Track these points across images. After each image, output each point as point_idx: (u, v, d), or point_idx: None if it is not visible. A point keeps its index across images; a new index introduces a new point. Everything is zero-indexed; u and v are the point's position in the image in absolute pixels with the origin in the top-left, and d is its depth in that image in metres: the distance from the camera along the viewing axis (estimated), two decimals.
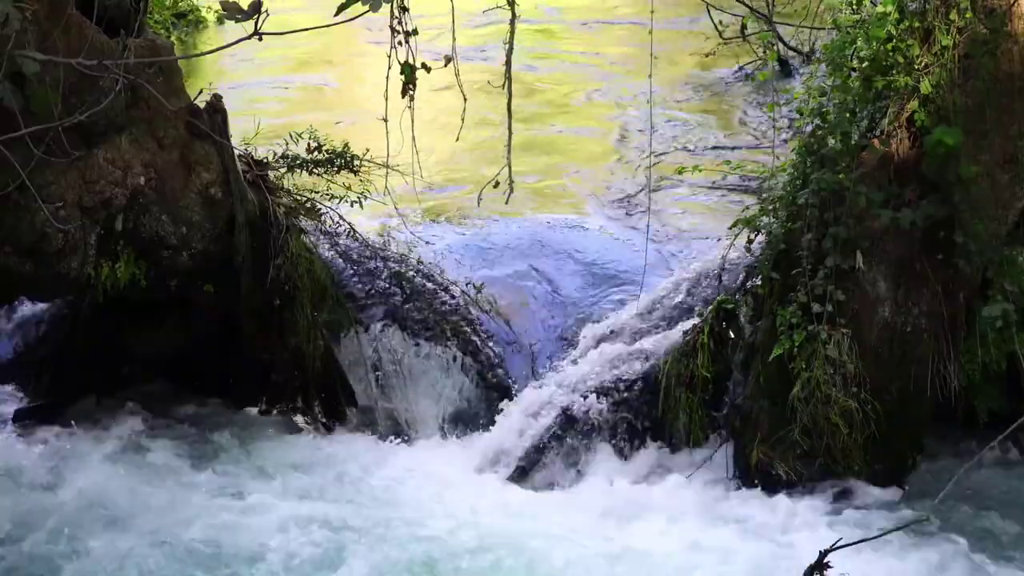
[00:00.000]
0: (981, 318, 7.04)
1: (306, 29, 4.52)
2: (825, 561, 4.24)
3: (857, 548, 4.68)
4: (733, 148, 10.68)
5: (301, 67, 13.72)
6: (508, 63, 6.40)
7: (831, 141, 7.17)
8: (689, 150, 10.34)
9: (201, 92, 7.61)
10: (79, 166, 6.81)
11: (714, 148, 10.64)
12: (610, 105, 12.22)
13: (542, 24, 14.35)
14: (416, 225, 8.92)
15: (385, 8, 4.31)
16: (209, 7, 15.53)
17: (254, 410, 8.06)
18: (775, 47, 10.12)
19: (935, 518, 6.64)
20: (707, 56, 12.53)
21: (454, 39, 6.18)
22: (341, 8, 4.14)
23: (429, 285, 8.39)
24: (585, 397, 7.75)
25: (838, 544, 4.25)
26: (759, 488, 7.21)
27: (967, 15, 6.69)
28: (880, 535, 5.10)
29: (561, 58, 13.81)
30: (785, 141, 8.45)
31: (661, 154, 9.97)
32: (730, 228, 7.80)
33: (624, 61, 13.59)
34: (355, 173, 8.15)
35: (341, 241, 8.41)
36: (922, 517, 5.46)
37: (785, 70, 12.24)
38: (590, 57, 13.96)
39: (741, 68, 12.74)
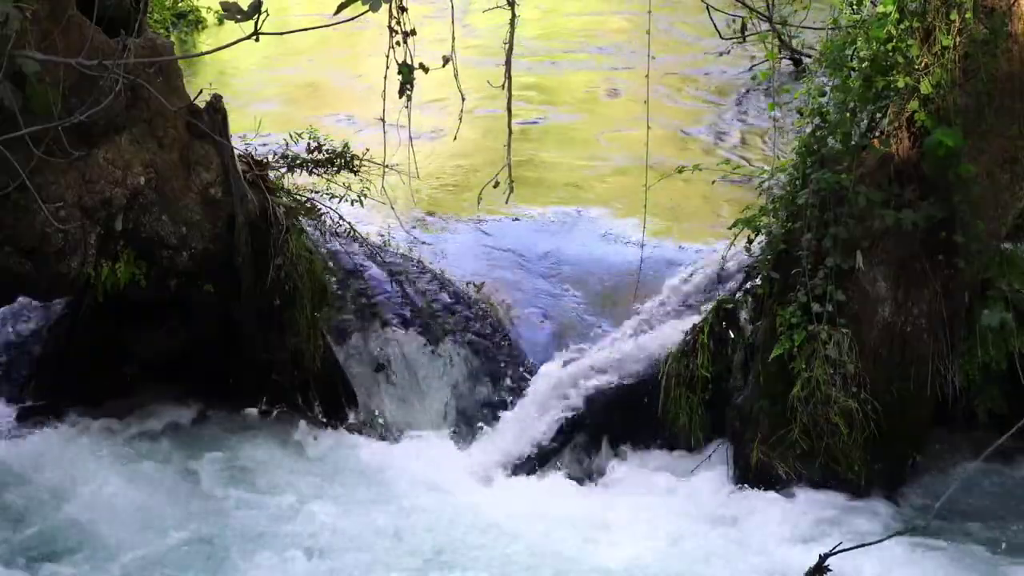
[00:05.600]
0: (980, 324, 7.03)
1: (306, 29, 4.52)
2: (825, 565, 4.24)
3: (857, 550, 4.67)
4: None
5: None
6: (508, 63, 6.39)
7: (831, 141, 7.17)
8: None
9: (201, 92, 7.61)
10: (79, 166, 6.80)
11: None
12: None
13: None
14: (416, 225, 8.92)
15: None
16: (209, 7, 15.54)
17: (254, 410, 8.06)
18: (777, 48, 10.13)
19: (935, 521, 6.62)
20: (722, 55, 12.58)
21: (453, 39, 6.17)
22: (341, 7, 4.14)
23: (429, 284, 8.40)
24: (585, 396, 7.76)
25: (837, 548, 4.24)
26: (758, 488, 7.21)
27: (967, 15, 6.69)
28: (879, 540, 5.09)
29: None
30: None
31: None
32: (730, 228, 7.80)
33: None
34: (355, 173, 8.16)
35: (341, 241, 8.42)
36: (920, 524, 5.45)
37: (797, 66, 12.25)
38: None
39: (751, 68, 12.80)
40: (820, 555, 4.26)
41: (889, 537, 5.33)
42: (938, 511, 6.37)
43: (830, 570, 4.24)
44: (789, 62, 12.44)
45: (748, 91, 12.62)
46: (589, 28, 16.01)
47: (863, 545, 4.67)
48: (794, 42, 12.13)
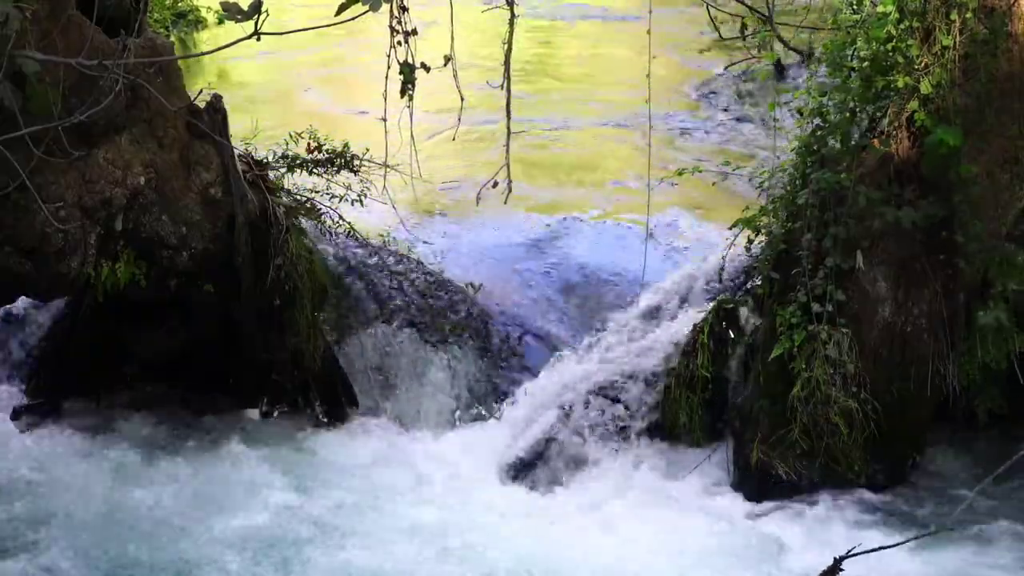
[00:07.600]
0: (977, 323, 7.04)
1: (306, 29, 4.52)
2: (839, 567, 4.21)
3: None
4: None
5: None
6: (507, 62, 6.39)
7: (831, 141, 7.18)
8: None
9: (201, 92, 7.62)
10: (79, 166, 6.80)
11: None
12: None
13: None
14: (415, 225, 8.92)
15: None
16: (209, 7, 15.54)
17: (254, 410, 8.06)
18: (772, 47, 10.15)
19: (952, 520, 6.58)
20: (701, 52, 12.60)
21: (452, 39, 6.17)
22: (341, 8, 4.14)
23: (429, 284, 8.40)
24: (585, 396, 7.76)
25: (853, 551, 4.20)
26: (759, 488, 7.21)
27: (967, 15, 6.70)
28: (896, 544, 5.03)
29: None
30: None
31: None
32: (730, 228, 7.80)
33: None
34: (355, 173, 8.16)
35: (341, 241, 8.42)
36: (943, 528, 5.40)
37: (778, 71, 12.30)
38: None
39: (727, 67, 12.83)
40: (835, 557, 4.21)
41: (907, 541, 5.29)
42: (955, 515, 6.31)
43: (842, 570, 4.21)
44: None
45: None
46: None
47: (878, 549, 4.60)
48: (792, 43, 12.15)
